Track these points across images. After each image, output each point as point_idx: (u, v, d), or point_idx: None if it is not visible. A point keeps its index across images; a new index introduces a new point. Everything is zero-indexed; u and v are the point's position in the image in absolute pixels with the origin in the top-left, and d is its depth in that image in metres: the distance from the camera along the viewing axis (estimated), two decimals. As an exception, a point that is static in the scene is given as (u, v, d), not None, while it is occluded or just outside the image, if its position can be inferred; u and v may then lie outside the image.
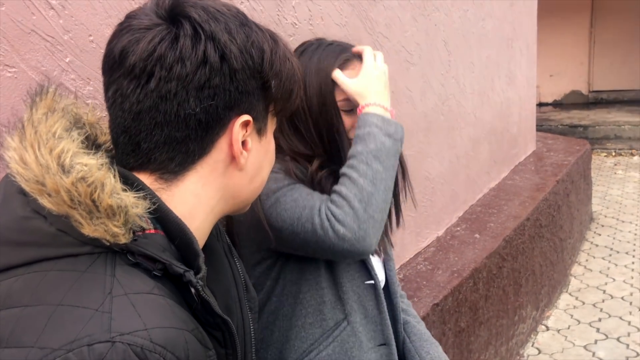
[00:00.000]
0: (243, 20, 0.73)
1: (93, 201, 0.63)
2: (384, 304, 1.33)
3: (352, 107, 1.28)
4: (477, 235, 2.87)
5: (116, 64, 0.69)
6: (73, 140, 0.68)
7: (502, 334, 2.91)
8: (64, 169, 0.64)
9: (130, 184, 0.68)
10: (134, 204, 0.65)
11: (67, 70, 1.10)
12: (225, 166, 0.75)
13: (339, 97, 1.28)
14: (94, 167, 0.65)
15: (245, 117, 0.73)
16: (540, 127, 6.92)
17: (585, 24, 10.08)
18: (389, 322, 1.34)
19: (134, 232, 0.65)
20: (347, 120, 1.29)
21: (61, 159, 0.65)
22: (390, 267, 1.44)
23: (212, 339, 0.71)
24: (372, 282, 1.31)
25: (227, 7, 0.73)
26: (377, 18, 2.16)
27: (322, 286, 1.27)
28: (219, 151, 0.73)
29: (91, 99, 1.14)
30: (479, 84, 3.26)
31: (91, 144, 0.78)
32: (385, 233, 1.43)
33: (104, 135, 0.79)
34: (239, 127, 0.73)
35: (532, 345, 3.26)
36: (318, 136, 1.27)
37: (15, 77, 1.01)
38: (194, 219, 0.73)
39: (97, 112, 0.80)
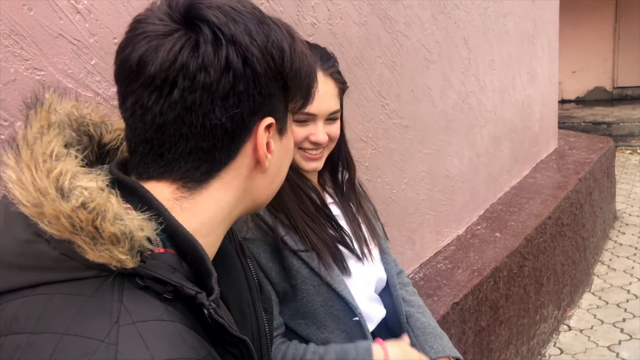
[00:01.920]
0: (260, 18, 0.70)
1: (96, 228, 0.60)
2: (370, 338, 1.33)
3: (307, 117, 1.24)
4: (497, 234, 2.85)
5: (133, 74, 0.65)
6: (73, 159, 0.64)
7: (523, 334, 2.89)
8: (63, 194, 0.61)
9: (140, 198, 0.66)
10: (140, 227, 0.62)
11: (92, 73, 1.12)
12: (249, 170, 0.73)
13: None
14: (95, 190, 0.62)
15: (269, 120, 0.71)
16: (562, 125, 6.85)
17: (610, 18, 9.92)
18: None
19: (141, 254, 0.62)
20: (298, 131, 1.24)
21: (60, 182, 0.61)
22: (387, 260, 1.45)
23: (229, 355, 0.69)
24: (357, 319, 1.30)
25: (242, 4, 0.70)
26: (397, 17, 2.16)
27: (308, 332, 1.29)
28: (244, 156, 0.71)
29: (116, 100, 1.16)
30: (500, 81, 3.24)
31: (95, 145, 0.77)
32: (373, 233, 1.44)
33: (110, 134, 0.78)
34: (263, 131, 0.71)
35: (554, 345, 3.23)
36: None
37: (44, 79, 1.04)
38: (214, 225, 0.72)
39: (102, 109, 0.79)
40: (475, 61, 2.88)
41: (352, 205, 1.44)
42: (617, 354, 3.07)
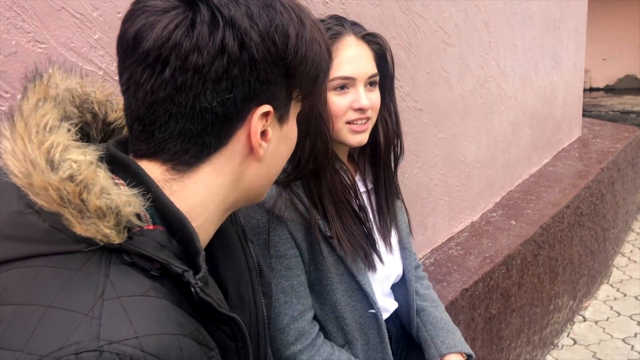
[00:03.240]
0: (267, 0, 0.68)
1: (82, 201, 0.60)
2: (385, 333, 1.33)
3: (346, 82, 1.21)
4: (513, 222, 2.81)
5: (129, 49, 0.65)
6: (66, 132, 0.64)
7: (536, 323, 2.86)
8: (53, 165, 0.61)
9: (132, 174, 0.66)
10: (127, 203, 0.62)
11: (95, 47, 1.12)
12: (242, 157, 0.72)
13: (329, 77, 1.18)
14: (84, 164, 0.61)
15: (266, 108, 0.69)
16: (589, 113, 6.69)
17: (642, 5, 9.62)
18: (389, 349, 1.34)
19: (129, 230, 0.62)
20: (340, 101, 1.21)
21: (50, 153, 0.61)
22: (406, 256, 1.43)
23: (220, 332, 0.70)
24: (374, 311, 1.30)
25: None
26: (414, -3, 2.12)
27: (325, 317, 1.29)
28: (237, 143, 0.70)
29: (119, 76, 1.16)
30: (522, 66, 3.17)
31: (100, 123, 0.77)
32: (397, 227, 1.42)
33: (115, 112, 0.78)
34: (258, 119, 0.69)
35: (568, 336, 3.19)
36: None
37: (46, 52, 1.05)
38: (204, 209, 0.71)
39: (108, 87, 0.79)
40: (495, 45, 2.82)
41: (386, 195, 1.40)
42: (632, 347, 3.02)
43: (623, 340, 3.09)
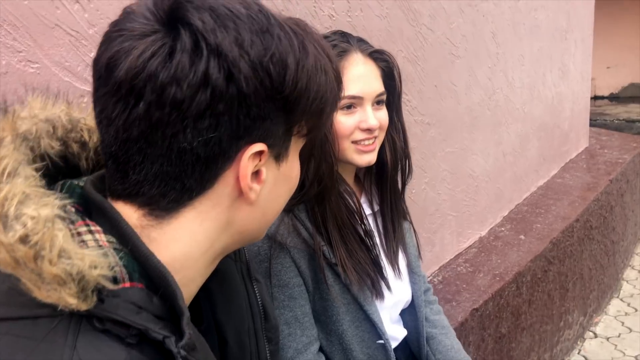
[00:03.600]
0: (264, 25, 0.59)
1: (38, 266, 0.52)
2: None
3: (353, 102, 1.15)
4: (522, 237, 2.75)
5: (102, 78, 0.57)
6: (24, 180, 0.55)
7: (546, 340, 2.79)
8: (7, 222, 0.52)
9: (109, 220, 0.58)
10: (92, 265, 0.53)
11: (91, 66, 1.07)
12: (231, 200, 0.63)
13: None
14: (40, 221, 0.52)
15: (259, 147, 0.60)
16: (594, 122, 6.63)
17: (647, 13, 9.58)
18: None
19: (100, 291, 0.54)
20: (347, 121, 1.16)
21: (5, 207, 0.53)
22: (415, 280, 1.37)
23: None
24: (382, 342, 1.24)
25: (246, 5, 0.59)
26: (421, 9, 2.06)
27: (332, 349, 1.22)
28: (224, 185, 0.61)
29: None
30: (529, 77, 3.11)
31: (92, 152, 0.69)
32: (405, 251, 1.36)
33: None
34: (248, 159, 0.60)
35: (579, 353, 3.11)
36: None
37: (38, 73, 0.99)
38: (188, 259, 0.63)
39: None
40: (503, 56, 2.76)
41: (392, 217, 1.34)
42: (645, 365, 2.95)
43: (636, 357, 3.01)
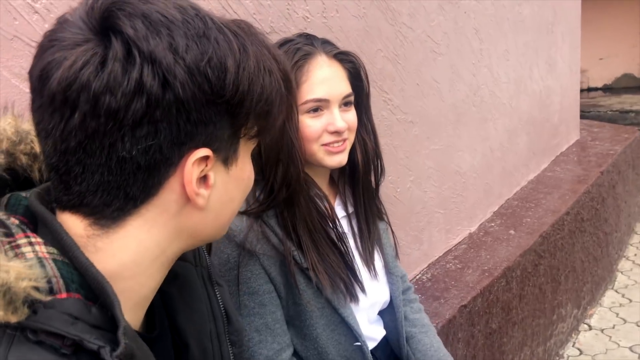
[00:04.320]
0: (200, 29, 0.58)
1: None
2: None
3: (319, 105, 1.15)
4: (512, 232, 2.75)
5: (37, 90, 0.57)
6: None
7: (539, 334, 2.79)
8: None
9: (51, 232, 0.58)
10: (19, 277, 0.52)
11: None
12: (179, 206, 0.62)
13: (301, 99, 1.15)
14: None
15: (203, 152, 0.60)
16: (587, 114, 6.64)
17: (637, 4, 9.58)
18: None
19: (32, 303, 0.53)
20: (314, 124, 1.16)
21: None
22: (393, 281, 1.37)
23: None
24: (359, 344, 1.24)
25: (182, 10, 0.59)
26: (400, 8, 2.06)
27: (307, 353, 1.22)
28: (169, 192, 0.61)
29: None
30: (515, 72, 3.11)
31: (42, 163, 0.68)
32: (382, 251, 1.36)
33: None
34: (192, 165, 0.60)
35: (573, 346, 3.11)
36: (268, 158, 1.14)
37: None
38: (138, 265, 0.62)
39: None
40: (487, 52, 2.76)
41: (367, 218, 1.34)
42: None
43: (630, 348, 3.02)
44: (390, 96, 2.07)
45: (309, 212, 1.17)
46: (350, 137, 1.22)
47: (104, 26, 0.56)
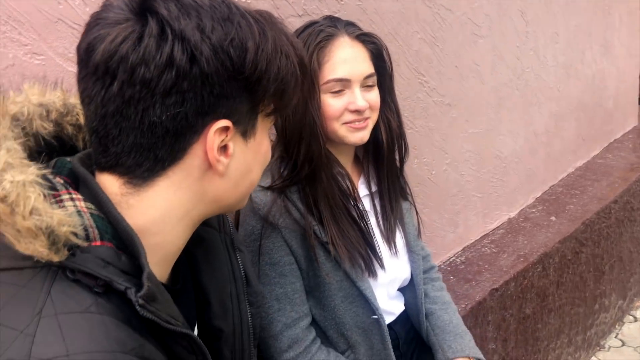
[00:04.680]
0: (225, 13, 0.66)
1: (15, 221, 0.61)
2: (388, 339, 1.31)
3: (341, 85, 1.19)
4: (553, 218, 2.70)
5: (83, 62, 0.66)
6: (8, 152, 0.64)
7: (578, 323, 2.75)
8: None
9: (89, 189, 0.67)
10: (60, 223, 0.61)
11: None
12: (202, 172, 0.70)
13: (323, 79, 1.18)
14: (18, 184, 0.61)
15: (224, 123, 0.68)
16: (651, 100, 6.30)
17: None
18: (392, 355, 1.32)
19: (71, 247, 0.62)
20: (336, 103, 1.20)
21: None
22: (414, 259, 1.40)
23: (178, 346, 0.70)
24: (376, 317, 1.28)
25: None
26: (439, -10, 2.06)
27: (325, 323, 1.28)
28: (194, 157, 0.69)
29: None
30: (565, 55, 3.02)
31: (86, 133, 0.76)
32: (403, 230, 1.39)
33: None
34: (214, 134, 0.68)
35: (616, 337, 3.04)
36: (292, 135, 1.19)
37: (43, 64, 1.09)
38: (165, 223, 0.70)
39: None
40: (534, 34, 2.70)
41: (390, 197, 1.38)
42: (686, 350, 2.86)
43: (676, 342, 2.93)
44: (427, 78, 2.08)
45: (331, 189, 1.22)
46: (373, 116, 1.25)
47: (142, 8, 0.65)
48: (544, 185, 3.00)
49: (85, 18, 1.12)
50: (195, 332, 0.86)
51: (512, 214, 2.73)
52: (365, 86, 1.22)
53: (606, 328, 3.02)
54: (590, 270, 2.78)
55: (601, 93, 3.55)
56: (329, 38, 1.19)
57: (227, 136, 0.69)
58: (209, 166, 0.70)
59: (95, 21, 0.66)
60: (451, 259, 2.33)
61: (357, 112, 1.20)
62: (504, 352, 2.23)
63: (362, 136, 1.24)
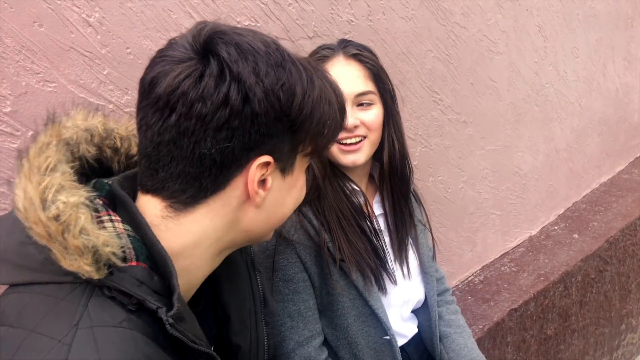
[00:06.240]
0: (278, 60, 0.72)
1: (65, 239, 0.66)
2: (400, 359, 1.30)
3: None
4: (575, 236, 2.65)
5: (145, 92, 0.71)
6: (62, 174, 0.70)
7: (604, 344, 2.67)
8: (45, 204, 0.67)
9: (127, 212, 0.72)
10: (105, 243, 0.67)
11: (104, 82, 1.18)
12: (239, 202, 0.75)
13: None
14: (70, 205, 0.67)
15: (266, 158, 0.73)
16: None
17: None
18: None
19: (110, 266, 0.67)
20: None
21: (45, 193, 0.68)
22: (428, 280, 1.39)
23: None
24: (388, 337, 1.27)
25: (266, 44, 0.73)
26: (452, 8, 2.06)
27: (337, 343, 1.27)
28: (234, 189, 0.74)
29: (129, 107, 1.22)
30: (586, 70, 2.98)
31: (123, 157, 0.84)
32: (418, 250, 1.38)
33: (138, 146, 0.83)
34: (256, 168, 0.73)
35: (645, 358, 2.96)
36: None
37: (55, 91, 1.12)
38: (197, 247, 0.75)
39: (133, 123, 0.84)
40: (552, 49, 2.68)
41: (401, 217, 1.37)
42: None
43: None
44: (441, 96, 2.07)
45: (340, 203, 1.22)
46: (371, 136, 1.24)
47: (205, 49, 0.70)
48: (567, 202, 2.95)
49: (97, 45, 1.16)
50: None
51: (534, 232, 2.68)
52: (360, 104, 1.22)
53: (634, 349, 2.93)
54: (615, 289, 2.71)
55: (625, 107, 3.48)
56: (323, 59, 1.21)
57: (267, 171, 0.74)
58: (247, 197, 0.75)
59: (161, 57, 0.71)
60: (469, 279, 2.30)
61: (347, 129, 1.21)
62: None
63: (355, 159, 1.24)
